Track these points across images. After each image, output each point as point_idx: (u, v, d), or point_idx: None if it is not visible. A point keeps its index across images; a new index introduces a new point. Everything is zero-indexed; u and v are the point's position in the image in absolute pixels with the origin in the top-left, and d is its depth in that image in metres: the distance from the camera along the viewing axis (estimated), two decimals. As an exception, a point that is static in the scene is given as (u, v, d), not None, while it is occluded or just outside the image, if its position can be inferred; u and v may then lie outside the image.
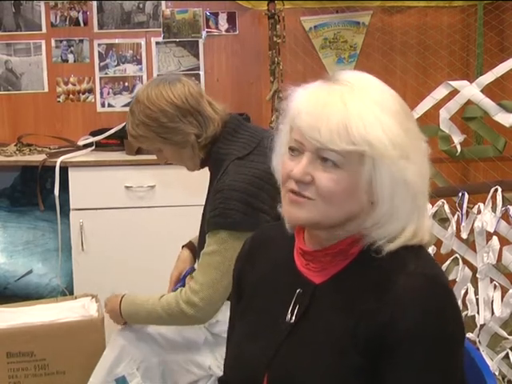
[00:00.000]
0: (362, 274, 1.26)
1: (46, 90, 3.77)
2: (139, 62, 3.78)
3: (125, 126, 3.47)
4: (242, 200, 1.96)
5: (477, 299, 2.35)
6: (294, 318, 1.31)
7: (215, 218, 1.98)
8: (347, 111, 1.21)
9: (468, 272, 2.41)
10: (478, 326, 2.35)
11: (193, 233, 2.41)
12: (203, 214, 2.17)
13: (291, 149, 1.27)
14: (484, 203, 2.30)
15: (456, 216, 2.39)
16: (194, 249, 2.35)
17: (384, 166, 1.21)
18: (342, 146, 1.19)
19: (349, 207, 1.24)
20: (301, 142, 1.24)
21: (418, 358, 1.19)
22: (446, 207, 2.42)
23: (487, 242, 2.30)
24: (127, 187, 3.30)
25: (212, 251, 1.97)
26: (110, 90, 3.78)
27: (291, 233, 1.37)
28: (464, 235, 2.37)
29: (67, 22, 3.73)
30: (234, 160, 2.04)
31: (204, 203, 2.19)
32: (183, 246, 2.38)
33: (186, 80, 2.12)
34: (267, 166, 2.01)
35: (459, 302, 2.37)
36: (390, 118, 1.23)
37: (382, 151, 1.20)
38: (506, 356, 2.29)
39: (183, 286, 2.23)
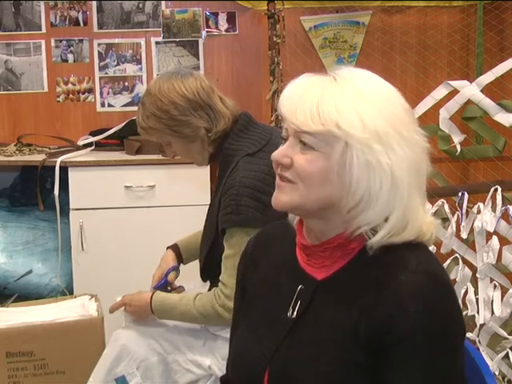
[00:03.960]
0: (363, 271, 1.27)
1: (46, 89, 3.76)
2: (139, 62, 3.78)
3: (124, 125, 3.52)
4: (253, 196, 1.97)
5: (477, 299, 2.35)
6: (295, 313, 1.32)
7: (228, 215, 1.99)
8: (322, 96, 1.25)
9: (468, 272, 2.41)
10: (478, 325, 2.35)
11: (192, 232, 2.41)
12: (209, 210, 2.18)
13: (282, 138, 1.31)
14: (484, 203, 2.30)
15: (456, 216, 2.39)
16: (178, 251, 2.37)
17: (356, 149, 1.23)
18: (313, 127, 1.23)
19: (328, 189, 1.26)
20: (286, 127, 1.29)
21: (418, 357, 1.20)
22: (446, 207, 2.42)
23: (487, 242, 2.30)
24: (127, 187, 3.30)
25: (234, 253, 1.97)
26: (110, 90, 3.78)
27: (293, 227, 1.38)
28: (464, 235, 2.37)
29: (67, 22, 3.73)
30: (244, 156, 2.05)
31: (210, 199, 2.19)
32: (168, 248, 2.38)
33: (198, 74, 2.15)
34: None
35: (459, 302, 2.37)
36: (370, 107, 1.25)
37: (351, 132, 1.23)
38: (506, 356, 2.29)
39: (165, 283, 2.26)
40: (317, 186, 1.25)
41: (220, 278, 2.03)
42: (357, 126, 1.23)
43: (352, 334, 1.23)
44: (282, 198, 1.29)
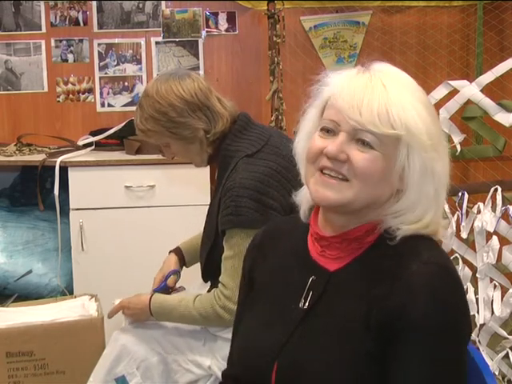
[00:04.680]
0: (376, 261, 1.28)
1: (46, 89, 3.76)
2: (139, 62, 3.78)
3: (124, 125, 3.52)
4: (253, 197, 1.97)
5: (477, 299, 2.35)
6: (307, 304, 1.32)
7: (228, 216, 1.98)
8: (388, 95, 1.24)
9: (468, 272, 2.41)
10: (478, 325, 2.34)
11: (192, 232, 2.42)
12: (209, 211, 2.17)
13: (324, 129, 1.28)
14: (484, 203, 2.30)
15: (456, 216, 2.39)
16: (181, 254, 2.36)
17: (418, 154, 1.24)
18: (381, 128, 1.22)
19: (380, 191, 1.26)
20: (337, 122, 1.25)
21: (427, 347, 1.20)
22: (446, 207, 2.41)
23: (487, 242, 2.30)
24: (127, 187, 3.30)
25: (234, 254, 1.97)
26: (110, 90, 3.78)
27: (305, 221, 1.38)
28: (464, 235, 2.37)
29: (67, 22, 3.73)
30: (243, 157, 2.05)
31: (210, 199, 2.18)
32: (170, 251, 2.38)
33: (196, 75, 2.13)
34: (275, 163, 2.03)
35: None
36: (424, 108, 1.26)
37: (418, 138, 1.23)
38: (506, 356, 2.28)
39: (165, 286, 2.25)
40: (372, 185, 1.25)
41: (220, 279, 2.03)
42: (423, 131, 1.24)
43: (363, 324, 1.24)
44: (329, 194, 1.26)
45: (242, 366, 1.39)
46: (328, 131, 1.27)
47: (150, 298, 2.12)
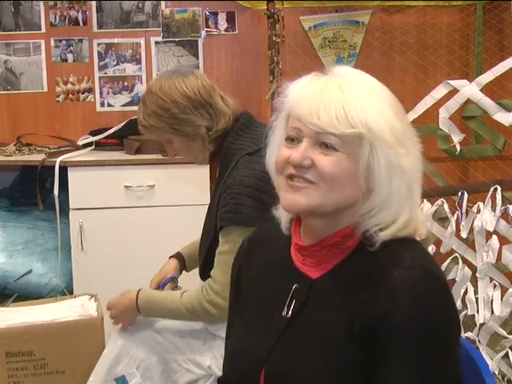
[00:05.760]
0: (358, 268, 1.27)
1: (46, 89, 3.76)
2: (138, 62, 3.78)
3: (124, 125, 3.52)
4: (253, 195, 1.97)
5: (476, 298, 2.35)
6: (290, 312, 1.32)
7: (227, 213, 1.99)
8: (345, 96, 1.23)
9: (468, 271, 2.41)
10: (478, 325, 2.34)
11: (192, 232, 2.41)
12: (209, 208, 2.17)
13: (289, 138, 1.28)
14: (483, 202, 2.30)
15: (456, 215, 2.39)
16: (182, 258, 2.36)
17: (382, 151, 1.23)
18: (341, 129, 1.22)
19: (349, 192, 1.25)
20: (299, 128, 1.26)
21: (411, 352, 1.19)
22: (446, 206, 2.42)
23: (487, 242, 2.30)
24: (127, 187, 3.30)
25: (228, 250, 1.97)
26: (110, 90, 3.78)
27: (287, 233, 1.38)
28: (464, 234, 2.37)
29: (66, 22, 3.73)
30: (245, 155, 2.05)
31: (210, 197, 2.18)
32: (171, 257, 2.38)
33: (199, 73, 2.15)
34: None
35: (459, 302, 2.37)
36: (386, 106, 1.26)
37: (380, 135, 1.23)
38: (506, 355, 2.28)
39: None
40: (339, 187, 1.24)
41: (211, 273, 2.02)
42: (384, 128, 1.23)
43: (347, 331, 1.23)
44: (298, 199, 1.26)
45: (231, 372, 1.40)
46: (292, 140, 1.27)
47: (137, 295, 2.12)
